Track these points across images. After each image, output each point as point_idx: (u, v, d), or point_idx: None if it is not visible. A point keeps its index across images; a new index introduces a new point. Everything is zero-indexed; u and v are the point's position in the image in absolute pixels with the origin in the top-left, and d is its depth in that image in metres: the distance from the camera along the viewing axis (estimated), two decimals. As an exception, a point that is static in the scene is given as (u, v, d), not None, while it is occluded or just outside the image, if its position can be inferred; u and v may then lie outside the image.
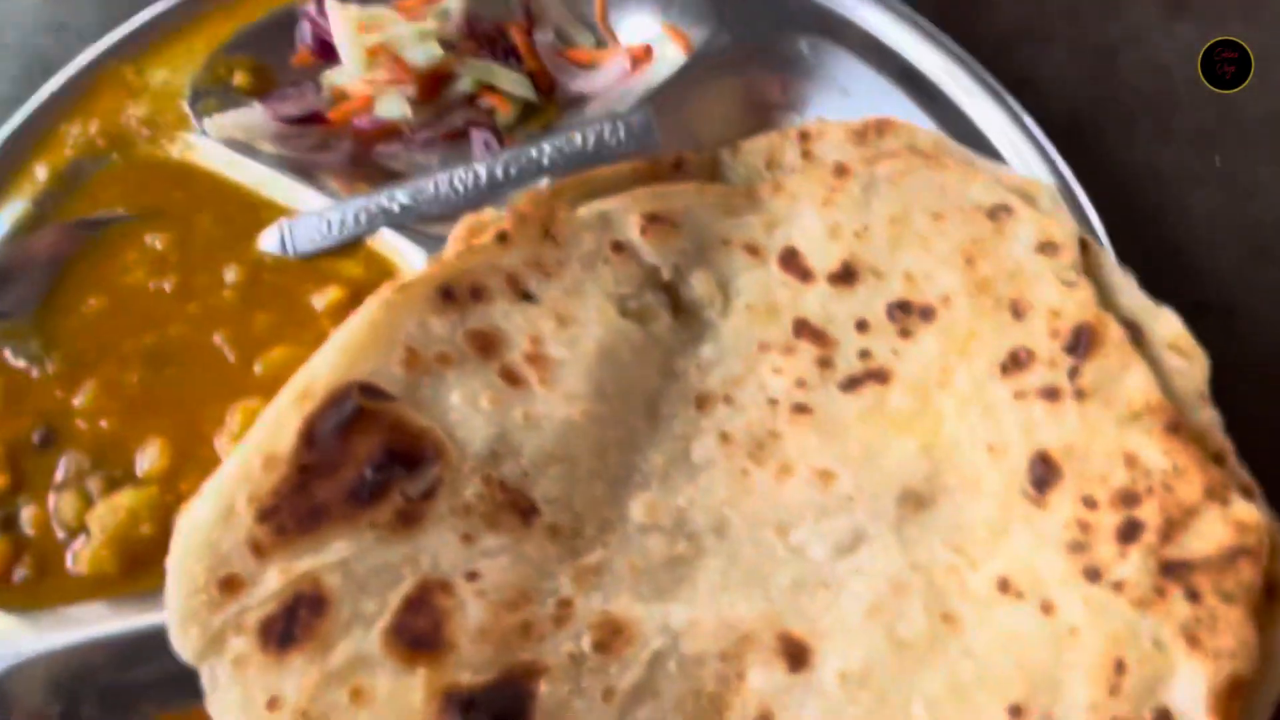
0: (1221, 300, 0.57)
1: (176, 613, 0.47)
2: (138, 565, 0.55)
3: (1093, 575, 0.47)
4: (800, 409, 0.56)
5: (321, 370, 0.52)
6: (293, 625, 0.47)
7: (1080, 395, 0.51)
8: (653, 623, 0.51)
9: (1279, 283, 0.61)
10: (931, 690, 0.48)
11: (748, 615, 0.51)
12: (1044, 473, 0.50)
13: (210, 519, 0.49)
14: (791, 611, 0.51)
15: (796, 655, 0.50)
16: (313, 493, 0.50)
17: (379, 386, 0.52)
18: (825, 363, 0.57)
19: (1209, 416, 0.50)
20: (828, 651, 0.50)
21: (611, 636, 0.50)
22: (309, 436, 0.50)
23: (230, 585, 0.48)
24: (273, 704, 0.46)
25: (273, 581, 0.48)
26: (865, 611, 0.50)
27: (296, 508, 0.49)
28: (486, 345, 0.54)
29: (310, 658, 0.47)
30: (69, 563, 0.55)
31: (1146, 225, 0.61)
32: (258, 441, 0.50)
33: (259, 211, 0.63)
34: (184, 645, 0.47)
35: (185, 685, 0.52)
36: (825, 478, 0.54)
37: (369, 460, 0.50)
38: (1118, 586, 0.46)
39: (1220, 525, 0.46)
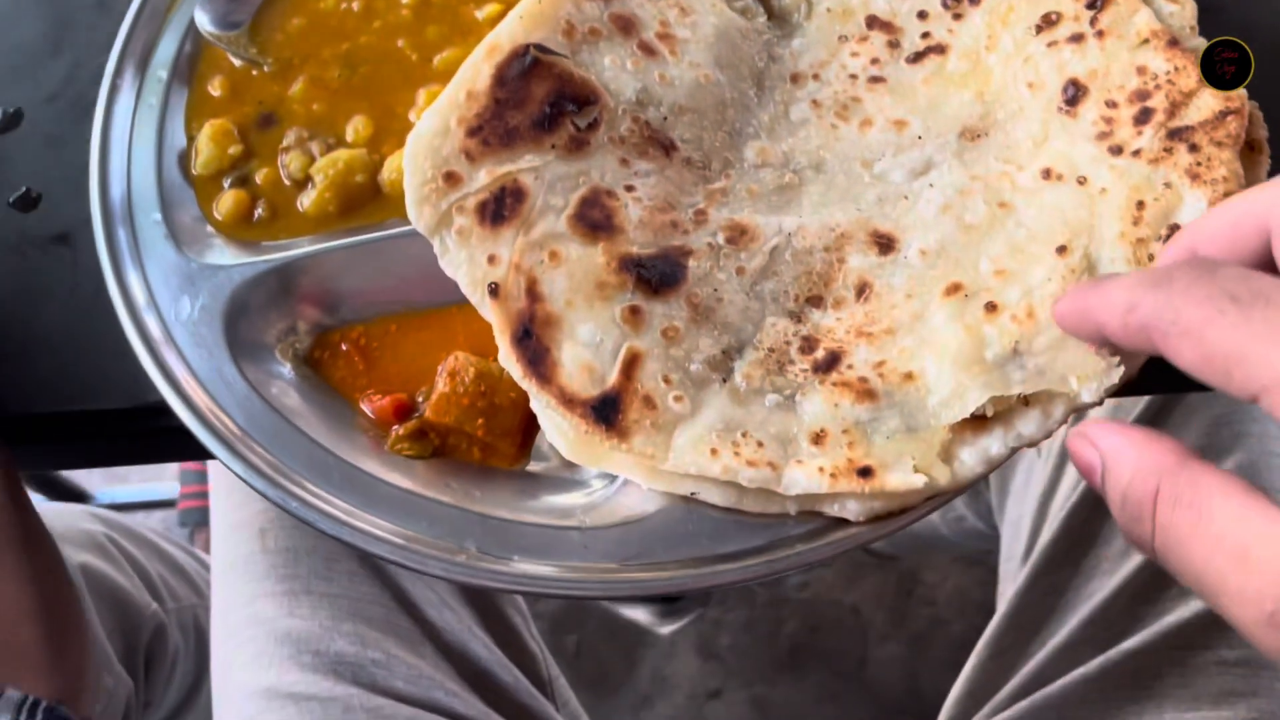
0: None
1: (413, 197, 0.61)
2: (353, 207, 0.68)
3: (1116, 151, 0.61)
4: (875, 79, 0.70)
5: (505, 35, 0.65)
6: (501, 207, 0.61)
7: (1100, 35, 0.65)
8: (770, 227, 0.64)
9: None
10: (994, 251, 0.62)
11: (844, 220, 0.65)
12: (1074, 92, 0.64)
13: (431, 132, 0.62)
14: (879, 215, 0.65)
15: (885, 244, 0.64)
16: (506, 119, 0.63)
17: (548, 47, 0.65)
18: (894, 44, 0.71)
19: (1198, 42, 0.64)
20: (910, 240, 0.64)
21: (739, 235, 0.64)
22: (499, 78, 0.64)
23: (451, 179, 0.61)
24: (492, 260, 0.60)
25: (483, 178, 0.62)
26: (937, 210, 0.64)
27: (495, 128, 0.63)
28: (626, 25, 0.68)
29: (516, 230, 0.61)
30: (299, 206, 0.68)
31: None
32: (461, 81, 0.64)
33: (424, -47, 0.76)
34: (419, 220, 0.61)
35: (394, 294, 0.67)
36: (899, 125, 0.68)
37: (546, 98, 0.64)
38: (1136, 154, 0.61)
39: (1211, 99, 0.60)
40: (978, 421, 0.57)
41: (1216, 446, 0.92)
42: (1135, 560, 0.92)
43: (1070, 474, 1.00)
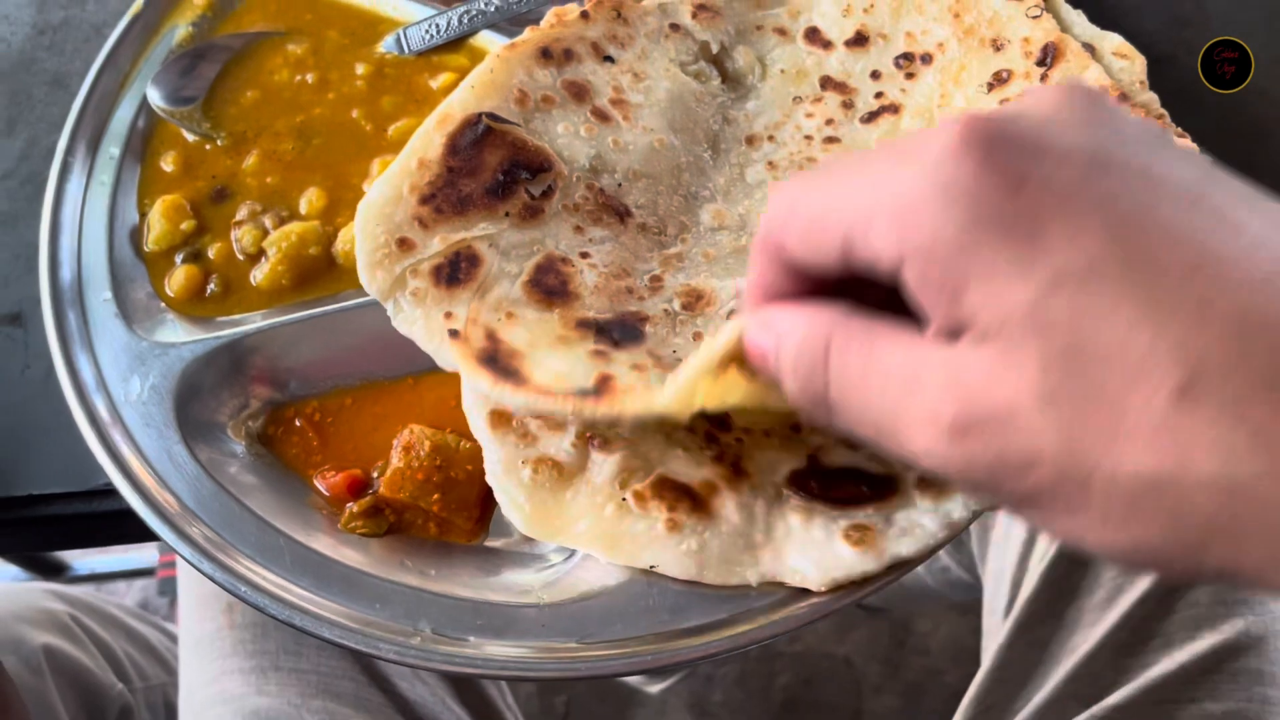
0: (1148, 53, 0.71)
1: (365, 262, 0.60)
2: (306, 279, 0.67)
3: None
4: (830, 139, 0.70)
5: (456, 104, 0.65)
6: (457, 271, 0.60)
7: (1050, 91, 0.65)
8: (726, 291, 0.64)
9: (1191, 40, 0.76)
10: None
11: (802, 282, 0.64)
12: (1026, 148, 0.64)
13: (383, 199, 0.61)
14: (836, 275, 0.65)
15: (843, 304, 0.63)
16: (459, 187, 0.63)
17: (501, 115, 0.65)
18: (848, 105, 0.71)
19: (1148, 96, 0.64)
20: (867, 299, 0.63)
21: (695, 300, 0.63)
22: (452, 147, 0.63)
23: (404, 244, 0.60)
24: (448, 316, 0.59)
25: (436, 244, 0.61)
26: (894, 268, 0.64)
27: (448, 196, 0.62)
28: (579, 92, 0.68)
29: (472, 293, 0.60)
30: (252, 280, 0.67)
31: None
32: (412, 150, 0.63)
33: (376, 25, 0.76)
34: (372, 284, 0.59)
35: (348, 367, 0.66)
36: (855, 184, 0.68)
37: (499, 166, 0.63)
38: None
39: (1162, 154, 0.60)
40: (940, 485, 0.56)
41: None
42: (1118, 610, 0.90)
43: (1049, 524, 0.99)
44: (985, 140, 0.37)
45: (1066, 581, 0.95)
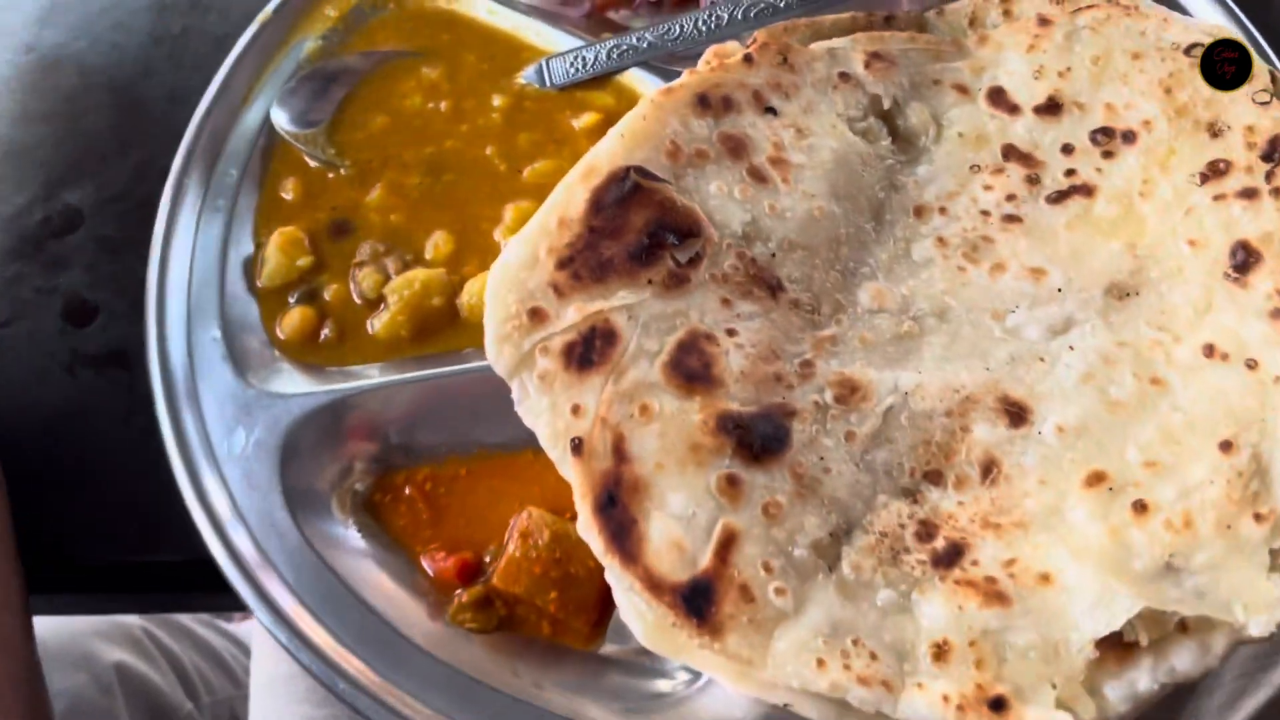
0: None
1: (493, 335, 0.55)
2: (427, 332, 0.62)
3: (1295, 333, 0.53)
4: (1010, 218, 0.63)
5: (603, 155, 0.59)
6: (590, 351, 0.55)
7: (1276, 192, 0.57)
8: (884, 385, 0.57)
9: None
10: (1144, 437, 0.54)
11: (970, 381, 0.57)
12: (1245, 257, 0.56)
13: (518, 263, 0.56)
14: (1010, 379, 0.57)
15: (1016, 414, 0.56)
16: (600, 250, 0.57)
17: (651, 171, 0.59)
18: (1033, 180, 0.64)
19: (1396, 205, 0.56)
20: (1045, 411, 0.56)
21: (849, 393, 0.57)
22: (596, 204, 0.58)
23: (537, 315, 0.55)
24: (576, 410, 0.54)
25: (571, 315, 0.55)
26: (1078, 378, 0.57)
27: (588, 260, 0.57)
28: (737, 147, 0.62)
29: (605, 378, 0.54)
30: (369, 328, 0.63)
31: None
32: (553, 205, 0.58)
33: (518, 52, 0.71)
34: (499, 361, 0.55)
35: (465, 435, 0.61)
36: (1036, 274, 0.61)
37: (645, 228, 0.58)
38: (1320, 339, 0.53)
39: None
40: (1123, 650, 0.49)
41: None
42: None
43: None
44: None
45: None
